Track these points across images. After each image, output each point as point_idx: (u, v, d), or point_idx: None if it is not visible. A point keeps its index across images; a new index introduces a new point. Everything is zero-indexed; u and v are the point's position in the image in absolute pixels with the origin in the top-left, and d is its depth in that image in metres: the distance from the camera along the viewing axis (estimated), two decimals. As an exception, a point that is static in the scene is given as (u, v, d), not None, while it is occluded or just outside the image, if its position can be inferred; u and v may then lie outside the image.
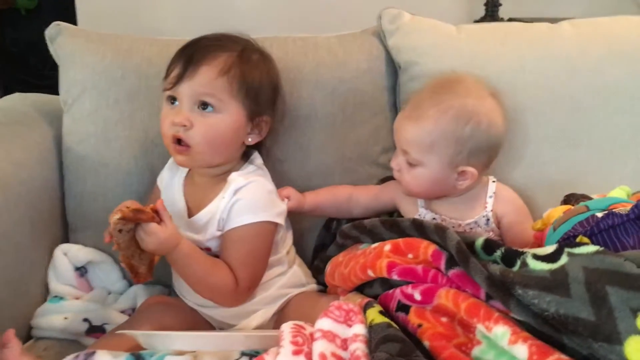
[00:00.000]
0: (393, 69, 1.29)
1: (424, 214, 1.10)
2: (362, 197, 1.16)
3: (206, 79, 1.00)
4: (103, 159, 1.22)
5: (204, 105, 1.00)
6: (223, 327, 1.09)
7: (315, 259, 1.20)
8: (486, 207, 1.08)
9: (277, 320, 1.08)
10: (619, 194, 0.94)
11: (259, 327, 1.07)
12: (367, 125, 1.25)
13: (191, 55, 1.02)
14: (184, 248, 0.96)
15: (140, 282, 1.01)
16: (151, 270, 1.01)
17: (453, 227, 1.07)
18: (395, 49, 1.26)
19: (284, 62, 1.20)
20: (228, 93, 1.00)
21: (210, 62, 1.01)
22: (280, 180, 1.15)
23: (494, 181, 1.10)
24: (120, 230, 0.92)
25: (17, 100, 1.36)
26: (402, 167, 1.05)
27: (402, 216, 1.12)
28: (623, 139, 1.21)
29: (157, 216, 0.94)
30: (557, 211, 0.94)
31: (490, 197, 1.08)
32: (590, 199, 1.00)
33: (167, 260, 1.00)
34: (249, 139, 1.06)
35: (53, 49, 1.27)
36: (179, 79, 1.01)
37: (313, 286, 1.15)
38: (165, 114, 1.03)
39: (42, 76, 1.28)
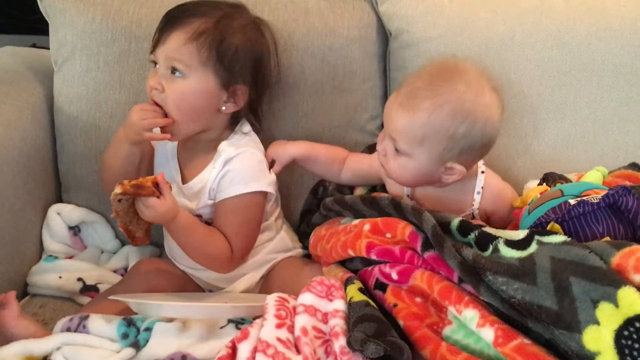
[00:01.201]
0: (384, 36, 1.29)
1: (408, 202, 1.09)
2: (353, 162, 1.15)
3: (175, 44, 1.00)
4: (94, 120, 1.23)
5: (173, 70, 1.01)
6: (212, 289, 1.14)
7: (302, 223, 1.24)
8: (473, 204, 1.05)
9: (263, 284, 1.13)
10: (595, 176, 0.98)
11: (246, 291, 1.12)
12: (356, 92, 1.27)
13: (167, 20, 1.04)
14: (182, 220, 0.99)
15: (137, 245, 1.04)
16: (148, 234, 1.04)
17: None
18: (387, 15, 1.26)
19: (274, 28, 1.19)
20: (197, 59, 1.00)
21: (182, 28, 1.01)
22: (267, 145, 1.17)
23: (483, 172, 1.06)
24: (120, 200, 0.95)
25: (8, 57, 1.36)
26: (388, 152, 1.00)
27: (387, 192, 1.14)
28: (606, 113, 1.23)
29: (156, 190, 0.95)
30: (534, 191, 0.97)
31: (478, 193, 1.04)
32: (567, 180, 1.03)
33: (165, 229, 1.03)
34: (224, 108, 1.05)
35: (42, 6, 1.26)
36: (156, 43, 1.03)
37: (299, 251, 1.19)
38: (149, 76, 1.05)
39: (31, 10, 1.26)
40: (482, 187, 1.04)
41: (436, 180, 1.01)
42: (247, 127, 1.12)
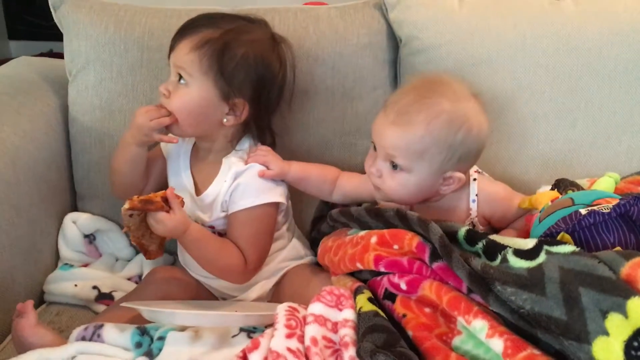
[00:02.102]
0: (394, 42, 1.29)
1: None
2: (346, 183, 1.13)
3: (181, 52, 1.03)
4: (108, 130, 1.25)
5: (179, 77, 1.04)
6: (224, 297, 1.15)
7: (313, 230, 1.24)
8: (470, 213, 1.04)
9: (274, 292, 1.14)
10: (607, 183, 0.97)
11: (258, 299, 1.13)
12: (366, 99, 1.27)
13: (181, 28, 1.06)
14: (193, 233, 1.00)
15: (151, 258, 1.05)
16: (162, 248, 1.06)
17: None
18: (397, 22, 1.26)
19: (285, 36, 1.20)
20: (197, 68, 1.02)
21: (189, 37, 1.03)
22: (278, 153, 1.17)
23: (474, 179, 1.05)
24: (130, 215, 0.96)
25: (23, 67, 1.38)
26: (384, 172, 0.99)
27: None
28: (618, 118, 1.22)
29: (166, 205, 0.96)
30: (544, 196, 0.97)
31: (474, 201, 1.03)
32: (579, 186, 1.03)
33: (178, 241, 1.05)
34: (225, 120, 1.05)
35: (57, 17, 1.28)
36: (169, 51, 1.06)
37: (311, 258, 1.19)
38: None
39: (48, 16, 1.28)
40: (476, 195, 1.04)
41: (434, 194, 1.02)
42: (246, 144, 1.11)
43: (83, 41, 1.24)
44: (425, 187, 1.00)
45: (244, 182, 1.05)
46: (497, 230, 1.05)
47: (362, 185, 1.10)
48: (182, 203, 1.00)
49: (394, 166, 0.99)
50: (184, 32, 1.04)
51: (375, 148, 1.02)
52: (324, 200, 1.22)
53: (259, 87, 1.05)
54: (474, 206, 1.03)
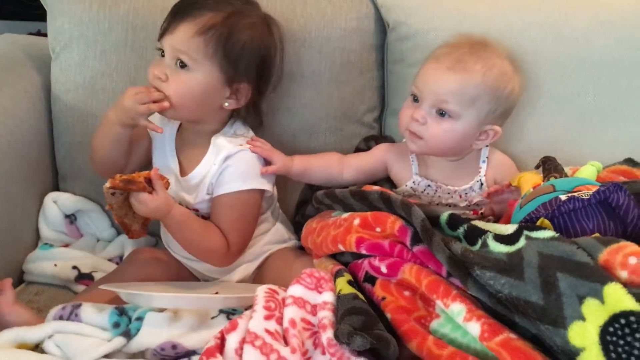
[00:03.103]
0: (382, 27, 1.28)
1: (418, 181, 1.11)
2: (354, 160, 1.15)
3: (183, 36, 1.00)
4: (91, 109, 1.23)
5: (180, 62, 1.01)
6: (207, 279, 1.14)
7: (297, 214, 1.24)
8: (479, 171, 1.10)
9: (256, 275, 1.14)
10: (589, 172, 0.97)
11: (241, 281, 1.12)
12: (353, 84, 1.26)
13: (178, 10, 1.02)
14: (176, 215, 0.99)
15: (134, 238, 1.04)
16: (145, 228, 1.04)
17: (448, 193, 1.10)
18: (385, 7, 1.25)
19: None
20: (203, 53, 1.00)
21: (191, 20, 1.00)
22: (264, 138, 1.16)
23: (487, 145, 1.11)
24: (113, 194, 0.95)
25: (6, 44, 1.36)
26: (430, 119, 1.03)
27: (393, 182, 1.14)
28: (605, 106, 1.22)
29: (149, 186, 0.95)
30: (527, 181, 0.97)
31: (484, 161, 1.11)
32: (562, 171, 1.02)
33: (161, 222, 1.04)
34: (226, 104, 1.05)
35: (40, -8, 1.26)
36: (164, 32, 1.02)
37: (294, 242, 1.19)
38: (153, 63, 1.04)
39: None
40: (487, 157, 1.11)
41: (468, 148, 1.08)
42: (240, 127, 1.11)
43: (66, 18, 1.22)
44: (466, 137, 1.05)
45: (233, 165, 1.04)
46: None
47: (371, 158, 1.16)
48: (167, 184, 0.98)
49: (441, 113, 1.03)
50: (182, 14, 1.00)
51: (415, 99, 1.06)
52: (328, 184, 1.20)
53: (261, 70, 1.06)
54: (483, 166, 1.11)
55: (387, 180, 1.17)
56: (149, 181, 0.95)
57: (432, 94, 1.03)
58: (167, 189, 0.98)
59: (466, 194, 1.11)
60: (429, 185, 1.12)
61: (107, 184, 0.93)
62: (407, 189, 1.12)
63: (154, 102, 1.00)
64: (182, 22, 1.00)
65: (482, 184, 1.11)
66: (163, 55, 1.03)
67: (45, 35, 1.28)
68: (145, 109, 1.00)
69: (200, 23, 1.00)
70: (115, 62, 1.22)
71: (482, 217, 1.12)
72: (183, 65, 1.01)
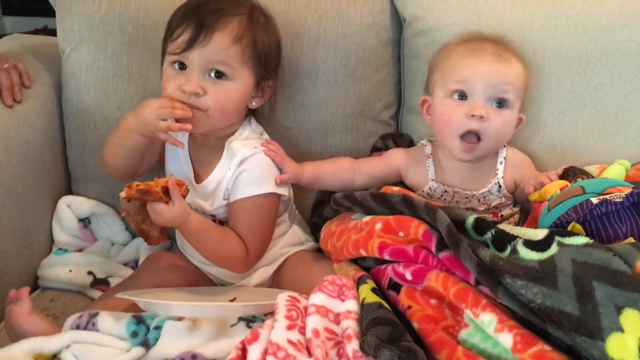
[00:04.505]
0: (398, 21, 1.25)
1: (434, 187, 1.09)
2: (365, 165, 1.13)
3: (220, 47, 0.97)
4: (102, 111, 1.21)
5: (217, 73, 0.98)
6: (224, 284, 1.12)
7: (314, 215, 1.21)
8: (497, 173, 1.08)
9: (274, 278, 1.12)
10: (617, 170, 0.94)
11: (258, 285, 1.10)
12: (369, 81, 1.23)
13: (202, 19, 0.97)
14: (193, 225, 0.97)
15: (153, 244, 1.01)
16: (165, 233, 1.01)
17: (466, 197, 1.08)
18: (401, 1, 1.22)
19: (285, 16, 1.17)
20: (240, 61, 0.99)
21: (223, 29, 0.97)
22: (279, 138, 1.14)
23: (504, 145, 1.10)
24: (129, 200, 0.93)
25: (16, 45, 1.34)
26: (491, 112, 1.01)
27: (408, 188, 1.11)
28: (628, 101, 1.19)
29: (165, 195, 0.92)
30: (553, 186, 0.94)
31: (501, 163, 1.08)
32: (588, 174, 1.00)
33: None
34: (253, 103, 1.05)
35: (49, -7, 1.24)
36: (190, 45, 0.97)
37: (311, 244, 1.17)
38: (171, 77, 1.00)
39: None
40: (504, 158, 1.09)
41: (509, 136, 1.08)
42: (253, 128, 1.09)
43: (76, 19, 1.20)
44: (513, 127, 1.07)
45: (248, 169, 1.01)
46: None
47: (384, 164, 1.13)
48: (186, 191, 0.95)
49: (499, 104, 1.03)
50: (210, 24, 0.97)
51: (462, 97, 1.03)
52: (339, 191, 1.18)
53: (279, 62, 1.09)
54: (500, 167, 1.08)
55: (402, 182, 1.14)
56: (166, 190, 0.92)
57: (490, 85, 1.01)
58: (185, 196, 0.95)
59: (484, 197, 1.08)
60: (445, 191, 1.08)
61: (123, 194, 0.90)
62: (423, 195, 1.09)
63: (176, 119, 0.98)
64: (214, 33, 0.97)
65: (500, 187, 1.08)
66: (180, 68, 0.99)
67: (52, 31, 1.26)
68: (165, 127, 0.98)
69: (233, 31, 0.98)
70: (126, 63, 1.20)
71: (503, 220, 1.09)
72: (219, 75, 0.98)
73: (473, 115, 1.00)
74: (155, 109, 0.98)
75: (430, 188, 1.09)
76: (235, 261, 1.02)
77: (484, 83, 1.01)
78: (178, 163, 1.08)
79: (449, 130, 1.03)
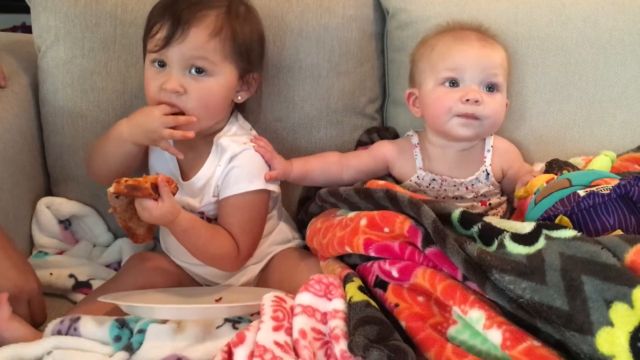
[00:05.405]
0: (381, 14, 1.24)
1: (422, 176, 1.08)
2: (353, 159, 1.11)
3: (197, 42, 0.95)
4: (80, 110, 1.18)
5: (198, 69, 0.96)
6: (209, 284, 1.10)
7: (300, 212, 1.20)
8: (484, 161, 1.08)
9: (260, 277, 1.10)
10: (603, 162, 0.94)
11: (245, 284, 1.09)
12: (353, 75, 1.22)
13: (178, 15, 0.95)
14: (182, 223, 0.94)
15: (139, 242, 0.99)
16: (151, 232, 0.99)
17: (454, 185, 1.07)
18: (384, -7, 1.21)
19: (267, 9, 1.14)
20: (220, 55, 0.96)
21: (199, 23, 0.95)
22: (263, 133, 1.12)
23: (491, 134, 1.09)
24: (117, 197, 0.90)
25: (-10, 43, 1.31)
26: (484, 96, 1.02)
27: (396, 179, 1.10)
28: (613, 91, 1.19)
29: (155, 192, 0.89)
30: (539, 180, 0.93)
31: (489, 151, 1.08)
32: (573, 166, 0.99)
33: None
34: (239, 97, 1.03)
35: (23, -11, 1.20)
36: (167, 42, 0.95)
37: (298, 242, 1.15)
38: (151, 77, 0.98)
39: None
40: (492, 146, 1.09)
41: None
42: (240, 123, 1.07)
43: (52, 15, 1.17)
44: (504, 109, 1.08)
45: (238, 165, 0.99)
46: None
47: (371, 157, 1.12)
48: (176, 189, 0.93)
49: (490, 88, 1.03)
50: (186, 19, 0.95)
51: (454, 84, 1.03)
52: (328, 186, 1.16)
53: (263, 54, 1.07)
54: (488, 155, 1.08)
55: (390, 174, 1.13)
56: (155, 186, 0.90)
57: (482, 70, 1.02)
58: (175, 194, 0.93)
59: (472, 185, 1.08)
60: (433, 179, 1.08)
61: (111, 189, 0.88)
62: (411, 184, 1.09)
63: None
64: (191, 28, 0.95)
65: (488, 174, 1.08)
66: (160, 66, 0.97)
67: (30, 28, 1.23)
68: (169, 134, 0.96)
69: (211, 25, 0.96)
70: (104, 60, 1.17)
71: (491, 208, 1.09)
72: (200, 72, 0.96)
73: (467, 100, 1.01)
74: (158, 117, 0.96)
75: (418, 177, 1.08)
76: (226, 260, 1.00)
77: (476, 68, 1.02)
78: (164, 161, 1.06)
79: (445, 114, 1.03)
